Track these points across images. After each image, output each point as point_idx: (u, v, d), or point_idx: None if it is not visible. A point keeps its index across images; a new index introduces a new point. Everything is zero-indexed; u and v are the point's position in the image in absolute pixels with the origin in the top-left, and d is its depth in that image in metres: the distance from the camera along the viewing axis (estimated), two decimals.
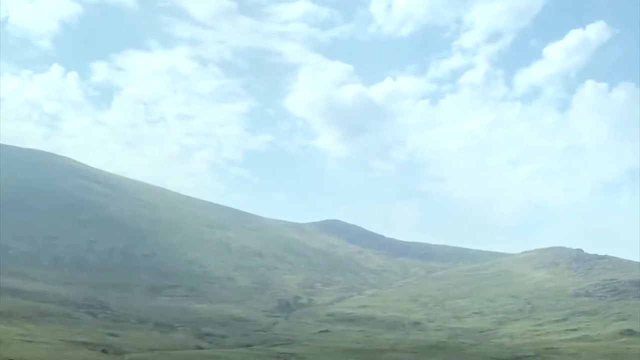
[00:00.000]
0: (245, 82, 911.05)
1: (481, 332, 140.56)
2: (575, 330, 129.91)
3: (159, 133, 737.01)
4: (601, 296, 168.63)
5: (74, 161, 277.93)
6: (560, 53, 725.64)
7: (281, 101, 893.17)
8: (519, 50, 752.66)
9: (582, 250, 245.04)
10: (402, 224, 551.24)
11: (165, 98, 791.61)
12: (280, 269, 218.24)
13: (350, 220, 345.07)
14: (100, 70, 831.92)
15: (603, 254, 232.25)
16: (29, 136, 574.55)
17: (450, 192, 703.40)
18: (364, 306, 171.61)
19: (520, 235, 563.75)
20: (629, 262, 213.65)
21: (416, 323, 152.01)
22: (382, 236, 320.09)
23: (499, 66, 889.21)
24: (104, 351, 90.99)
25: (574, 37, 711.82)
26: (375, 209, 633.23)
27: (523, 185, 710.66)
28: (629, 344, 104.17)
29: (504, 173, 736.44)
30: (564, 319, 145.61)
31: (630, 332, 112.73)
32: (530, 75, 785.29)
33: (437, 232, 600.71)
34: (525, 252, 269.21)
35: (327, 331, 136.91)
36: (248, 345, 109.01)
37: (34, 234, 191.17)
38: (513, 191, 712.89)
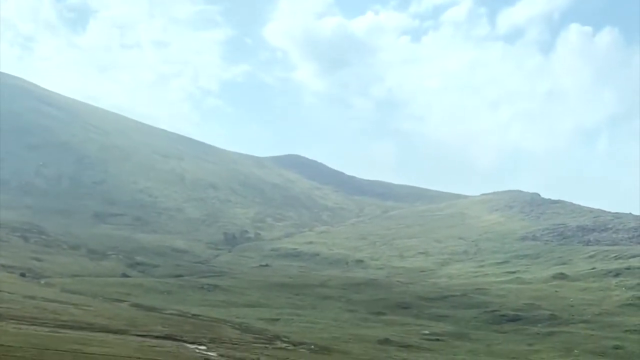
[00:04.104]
0: (224, 9, 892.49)
1: (422, 272, 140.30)
2: (513, 272, 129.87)
3: (134, 59, 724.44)
4: (547, 240, 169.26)
5: (26, 82, 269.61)
6: None
7: (260, 30, 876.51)
8: None
9: (538, 195, 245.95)
10: (374, 163, 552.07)
11: (141, 23, 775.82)
12: (232, 202, 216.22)
13: (319, 157, 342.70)
14: None
15: (557, 198, 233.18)
16: (1, 56, 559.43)
17: (427, 132, 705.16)
18: (311, 242, 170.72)
19: (494, 178, 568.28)
20: (581, 207, 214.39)
21: (359, 261, 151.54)
22: (342, 173, 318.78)
23: (482, 4, 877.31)
24: (22, 275, 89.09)
25: None
26: (349, 146, 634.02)
27: (502, 127, 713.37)
28: (558, 287, 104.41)
29: (483, 114, 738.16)
30: (505, 262, 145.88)
31: (562, 276, 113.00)
32: (513, 15, 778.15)
33: (408, 172, 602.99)
34: (484, 194, 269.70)
35: (266, 266, 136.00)
36: (178, 276, 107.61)
37: None
38: (491, 133, 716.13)
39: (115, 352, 34.99)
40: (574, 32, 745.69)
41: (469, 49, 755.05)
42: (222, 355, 41.31)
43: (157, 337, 47.15)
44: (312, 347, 53.06)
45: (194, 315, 72.00)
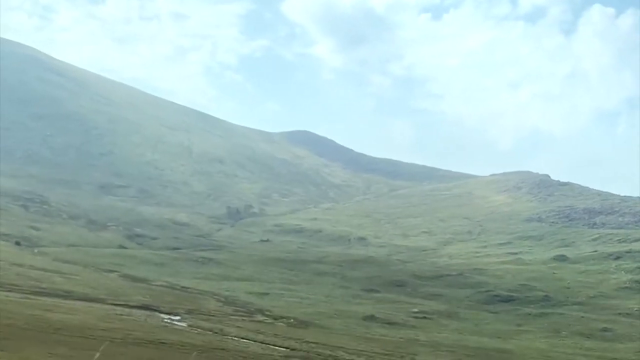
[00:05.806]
0: None
1: (424, 250, 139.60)
2: (515, 254, 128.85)
3: (152, 31, 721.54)
4: (552, 222, 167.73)
5: (37, 51, 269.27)
6: None
7: (279, 5, 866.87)
8: None
9: (547, 176, 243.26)
10: (390, 141, 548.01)
11: None
12: (239, 177, 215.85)
13: (333, 133, 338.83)
14: None
15: (568, 180, 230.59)
16: (21, 27, 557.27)
17: (446, 111, 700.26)
18: (315, 219, 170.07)
19: (511, 159, 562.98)
20: (589, 189, 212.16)
21: (361, 239, 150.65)
22: (351, 150, 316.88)
23: None
24: (17, 243, 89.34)
25: None
26: (365, 123, 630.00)
27: (520, 108, 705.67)
28: (556, 268, 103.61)
29: (502, 94, 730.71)
30: (508, 243, 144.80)
31: (562, 258, 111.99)
32: None
33: (423, 151, 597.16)
34: (493, 174, 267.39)
35: (267, 241, 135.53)
36: (175, 249, 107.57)
37: None
38: (510, 114, 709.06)
39: (77, 318, 34.65)
40: (597, 13, 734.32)
41: (490, 27, 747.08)
42: (191, 325, 40.96)
43: (132, 307, 46.94)
44: (292, 321, 52.68)
45: (183, 287, 71.91)
